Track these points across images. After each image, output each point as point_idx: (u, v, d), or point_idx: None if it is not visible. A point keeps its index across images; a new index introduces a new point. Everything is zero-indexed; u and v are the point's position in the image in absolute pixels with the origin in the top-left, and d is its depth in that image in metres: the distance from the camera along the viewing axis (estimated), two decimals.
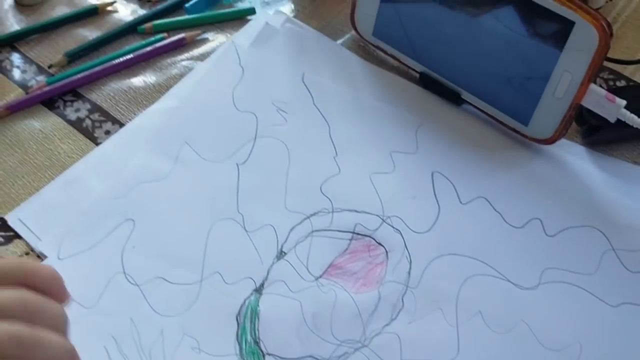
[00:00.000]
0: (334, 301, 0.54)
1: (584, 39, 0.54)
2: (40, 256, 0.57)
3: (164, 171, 0.62)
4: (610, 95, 0.56)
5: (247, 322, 0.54)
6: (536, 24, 0.57)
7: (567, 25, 0.55)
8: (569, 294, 0.54)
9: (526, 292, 0.54)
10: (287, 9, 0.75)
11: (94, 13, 0.76)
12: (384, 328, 0.53)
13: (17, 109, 0.67)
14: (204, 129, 0.64)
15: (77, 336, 0.53)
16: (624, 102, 0.56)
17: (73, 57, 0.71)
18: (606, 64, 0.66)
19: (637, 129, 0.57)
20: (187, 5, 0.76)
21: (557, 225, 0.57)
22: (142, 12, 0.76)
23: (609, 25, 0.54)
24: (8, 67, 0.72)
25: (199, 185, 0.61)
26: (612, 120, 0.56)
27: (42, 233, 0.58)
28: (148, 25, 0.74)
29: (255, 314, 0.54)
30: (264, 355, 0.52)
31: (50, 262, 0.56)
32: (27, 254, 0.58)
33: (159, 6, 0.76)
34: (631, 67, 0.67)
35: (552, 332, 0.52)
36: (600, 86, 0.65)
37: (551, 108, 0.58)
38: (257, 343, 0.53)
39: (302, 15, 0.74)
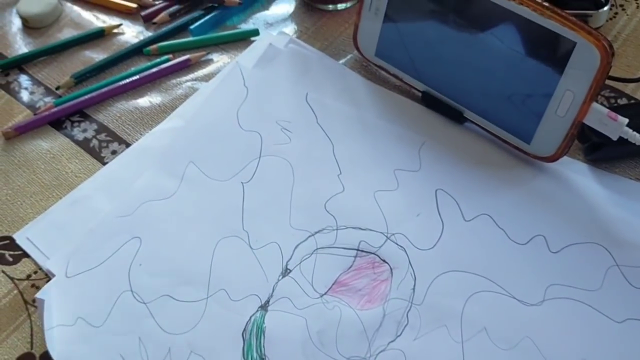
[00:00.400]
0: (339, 318, 0.55)
1: (585, 58, 0.55)
2: (48, 274, 0.58)
3: (170, 190, 0.62)
4: (612, 114, 0.56)
5: (253, 338, 0.54)
6: (538, 43, 0.57)
7: (568, 46, 0.55)
8: (574, 310, 0.54)
9: (531, 308, 0.54)
10: (291, 29, 0.76)
11: (100, 35, 0.77)
12: (389, 344, 0.53)
13: (25, 130, 0.68)
14: (209, 149, 0.65)
15: (86, 355, 0.54)
16: (626, 120, 0.56)
17: (80, 78, 0.73)
18: (607, 82, 0.67)
19: (639, 146, 0.57)
20: (191, 27, 0.77)
21: (560, 241, 0.57)
22: (147, 34, 0.77)
23: (611, 45, 0.54)
24: (16, 88, 0.72)
25: (205, 204, 0.62)
26: (615, 138, 0.57)
27: (50, 251, 0.59)
28: (154, 47, 0.75)
29: (260, 330, 0.54)
30: None
31: (59, 280, 0.57)
32: (35, 272, 0.58)
33: (164, 28, 0.77)
34: (632, 85, 0.67)
35: (557, 348, 0.52)
36: (602, 104, 0.66)
37: (553, 126, 0.59)
38: None
39: (306, 36, 0.75)
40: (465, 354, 0.52)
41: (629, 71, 0.69)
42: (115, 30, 0.77)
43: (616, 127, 0.56)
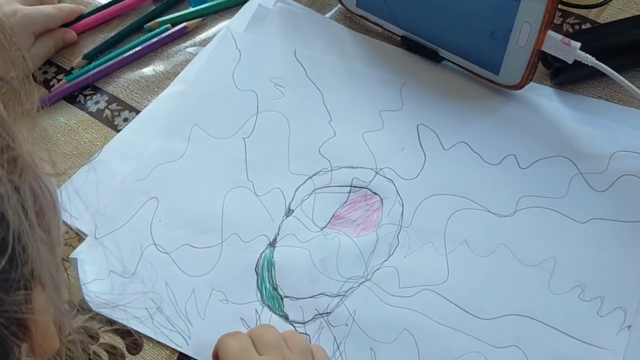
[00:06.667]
0: (338, 246, 0.67)
1: None
2: (79, 233, 0.69)
3: (179, 152, 0.74)
4: (566, 40, 0.67)
5: (265, 272, 0.66)
6: None
7: None
8: (543, 216, 0.66)
9: (505, 219, 0.66)
10: None
11: None
12: (383, 263, 0.66)
13: (42, 107, 0.78)
14: (210, 111, 0.76)
15: (120, 303, 0.66)
16: (578, 45, 0.66)
17: (91, 58, 0.82)
18: (572, 9, 0.77)
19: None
20: None
21: (529, 158, 0.69)
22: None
23: None
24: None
25: (211, 161, 0.73)
26: (570, 61, 0.67)
27: (77, 213, 0.70)
28: (153, 22, 0.84)
29: (271, 264, 0.66)
30: (282, 298, 0.65)
31: (89, 242, 0.68)
32: (66, 232, 0.70)
33: (163, 2, 0.87)
34: (595, 10, 0.77)
35: (529, 250, 0.64)
36: (567, 30, 0.77)
37: (517, 56, 0.69)
38: (275, 289, 0.65)
39: None
40: (449, 263, 0.65)
41: None
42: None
43: (570, 51, 0.67)
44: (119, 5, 0.86)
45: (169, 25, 0.84)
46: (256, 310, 0.64)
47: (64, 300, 0.44)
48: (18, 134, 0.36)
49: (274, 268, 0.66)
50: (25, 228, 0.35)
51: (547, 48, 0.68)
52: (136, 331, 0.64)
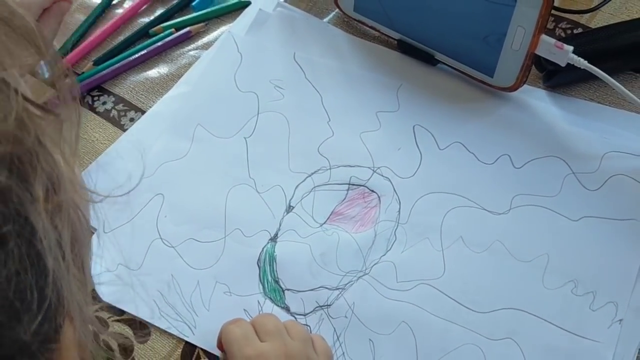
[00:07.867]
0: (337, 241, 0.67)
1: None
2: None
3: (183, 150, 0.74)
4: (559, 43, 0.68)
5: (267, 266, 0.67)
6: None
7: None
8: (536, 214, 0.67)
9: (499, 216, 0.67)
10: None
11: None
12: (381, 258, 0.66)
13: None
14: (213, 111, 0.77)
15: (128, 292, 0.67)
16: (571, 48, 0.67)
17: (99, 62, 0.83)
18: (565, 15, 0.78)
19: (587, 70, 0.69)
20: (193, 4, 0.87)
21: (523, 158, 0.70)
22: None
23: None
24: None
25: (214, 159, 0.74)
26: (563, 64, 0.68)
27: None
28: (158, 27, 0.85)
29: (272, 258, 0.67)
30: (283, 291, 0.66)
31: (98, 235, 0.66)
32: None
33: (168, 7, 0.87)
34: (587, 16, 0.78)
35: (523, 247, 0.65)
36: (560, 35, 0.78)
37: (511, 59, 0.70)
38: (276, 282, 0.66)
39: None
40: (446, 258, 0.65)
41: (584, 3, 0.79)
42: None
43: (563, 54, 0.68)
44: (125, 13, 0.87)
45: (173, 29, 0.85)
46: (258, 302, 0.65)
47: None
48: (62, 169, 0.35)
49: (275, 262, 0.67)
50: (63, 271, 0.34)
51: (540, 51, 0.69)
52: (144, 321, 0.65)
